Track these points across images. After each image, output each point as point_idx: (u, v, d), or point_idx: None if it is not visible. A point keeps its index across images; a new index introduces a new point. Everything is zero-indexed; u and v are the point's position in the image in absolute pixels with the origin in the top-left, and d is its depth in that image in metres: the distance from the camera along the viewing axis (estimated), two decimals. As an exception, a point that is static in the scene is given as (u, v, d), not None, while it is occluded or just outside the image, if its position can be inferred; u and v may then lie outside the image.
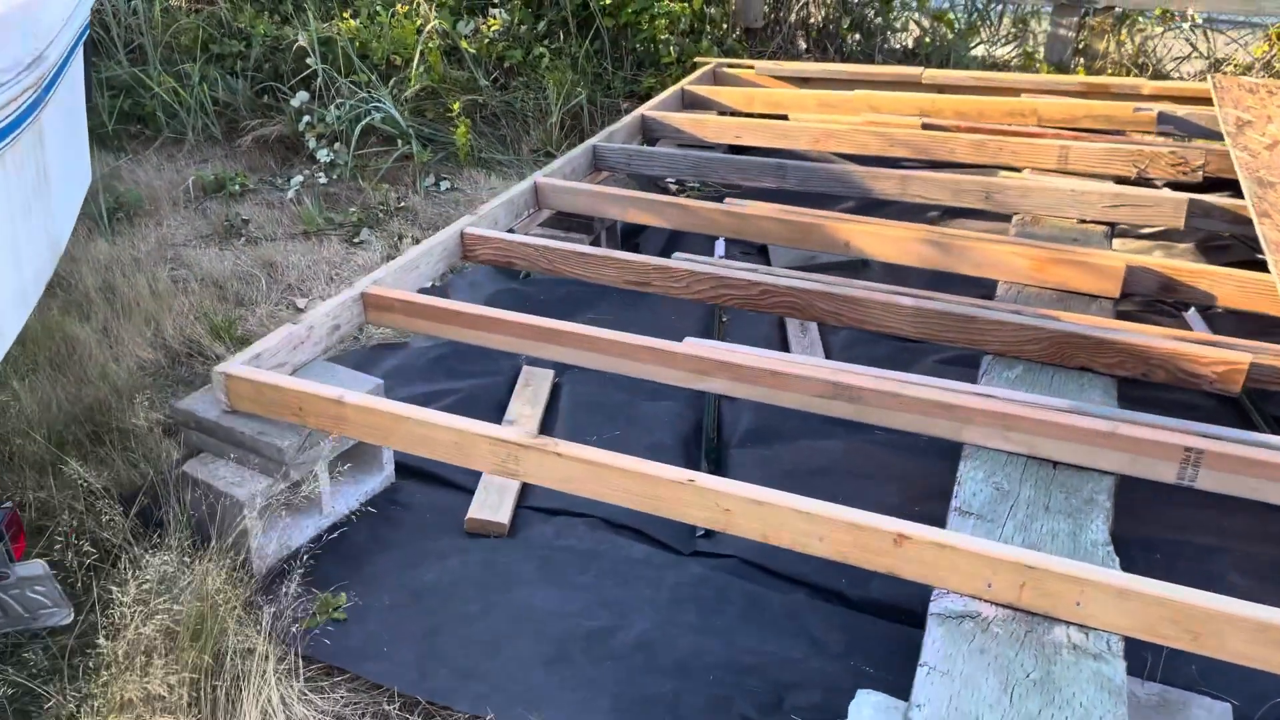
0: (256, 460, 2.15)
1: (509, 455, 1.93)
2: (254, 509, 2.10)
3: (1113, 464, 1.96)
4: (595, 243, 3.57)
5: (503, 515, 2.27)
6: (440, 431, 1.98)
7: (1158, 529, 2.17)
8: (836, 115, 4.09)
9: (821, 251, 2.97)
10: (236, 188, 4.42)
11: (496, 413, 2.73)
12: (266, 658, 1.83)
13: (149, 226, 4.04)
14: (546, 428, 2.67)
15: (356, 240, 3.97)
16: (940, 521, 1.91)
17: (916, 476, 2.39)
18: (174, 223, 4.11)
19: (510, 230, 3.18)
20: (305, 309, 3.10)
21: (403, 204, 4.31)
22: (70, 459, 2.36)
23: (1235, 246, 3.53)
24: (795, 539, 1.76)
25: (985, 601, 1.66)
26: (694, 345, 2.30)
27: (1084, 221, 3.12)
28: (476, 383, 2.83)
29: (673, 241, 3.84)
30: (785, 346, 3.10)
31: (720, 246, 3.85)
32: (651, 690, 1.80)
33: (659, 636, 1.91)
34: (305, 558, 2.12)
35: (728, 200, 3.14)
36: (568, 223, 3.51)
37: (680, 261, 2.70)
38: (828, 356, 3.02)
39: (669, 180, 4.23)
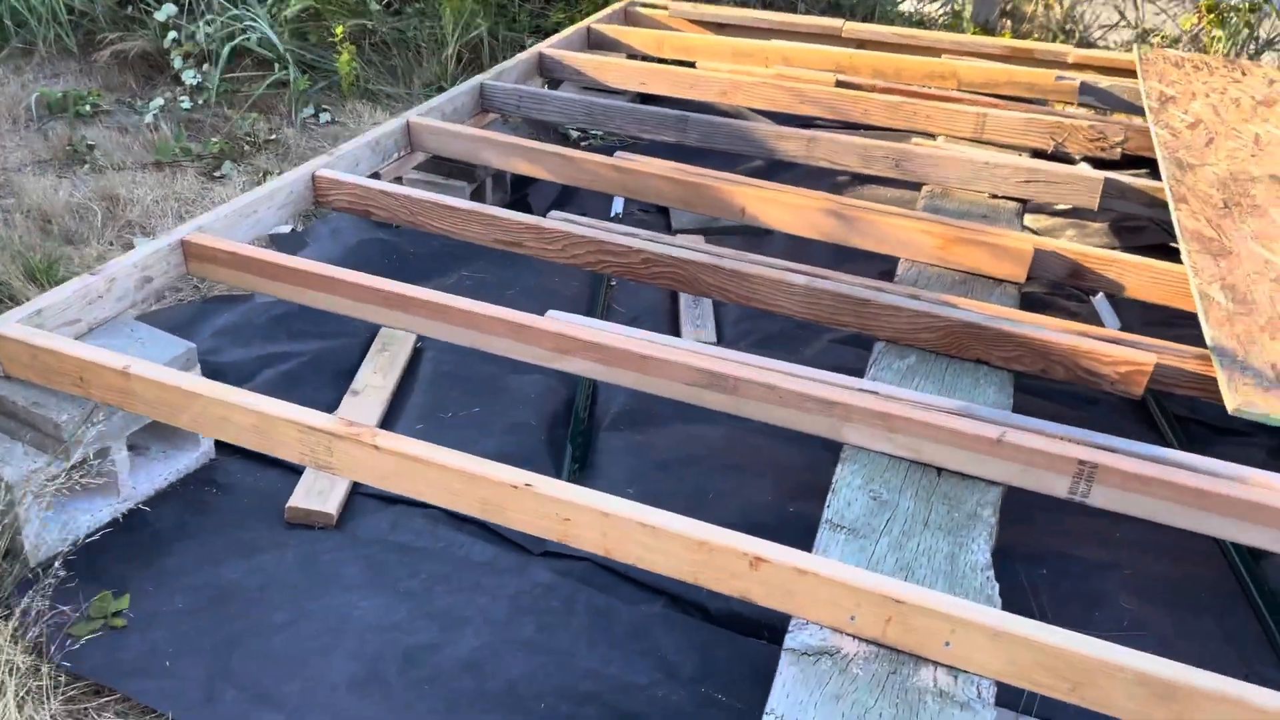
0: (31, 435, 1.83)
1: (320, 445, 1.66)
2: (26, 493, 1.79)
3: (1001, 474, 1.78)
4: (477, 192, 3.27)
5: (331, 504, 2.00)
6: (239, 413, 1.69)
7: (1046, 539, 2.01)
8: (748, 66, 3.83)
9: (716, 217, 2.72)
10: (87, 108, 3.97)
11: (345, 380, 2.44)
12: (12, 672, 1.55)
13: (-22, 147, 3.59)
14: (400, 400, 2.40)
15: (217, 174, 3.59)
16: (816, 521, 1.72)
17: (796, 469, 2.19)
18: (9, 144, 3.66)
19: (375, 175, 2.86)
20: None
21: (274, 136, 3.92)
22: None
23: (1150, 229, 3.39)
24: (640, 555, 1.53)
25: (848, 635, 1.46)
26: (557, 320, 2.04)
27: (996, 196, 2.93)
28: (325, 345, 2.53)
29: (567, 195, 3.56)
30: (676, 317, 2.87)
31: (619, 203, 3.58)
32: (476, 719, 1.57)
33: (489, 655, 1.68)
34: (89, 549, 1.83)
35: (618, 154, 2.86)
36: (448, 168, 3.20)
37: (556, 222, 2.43)
38: (719, 330, 2.80)
39: (570, 128, 3.92)
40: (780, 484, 2.14)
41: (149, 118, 3.96)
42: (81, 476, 1.85)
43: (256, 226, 2.43)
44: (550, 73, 3.72)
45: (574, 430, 2.33)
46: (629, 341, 1.96)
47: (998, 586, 1.57)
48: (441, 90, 4.37)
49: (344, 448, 1.64)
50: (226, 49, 4.20)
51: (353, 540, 1.93)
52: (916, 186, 3.26)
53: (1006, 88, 3.69)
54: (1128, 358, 2.04)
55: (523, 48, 4.59)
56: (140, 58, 4.38)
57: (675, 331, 2.81)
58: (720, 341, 2.77)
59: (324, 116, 4.13)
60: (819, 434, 1.87)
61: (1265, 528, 1.66)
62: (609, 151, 3.89)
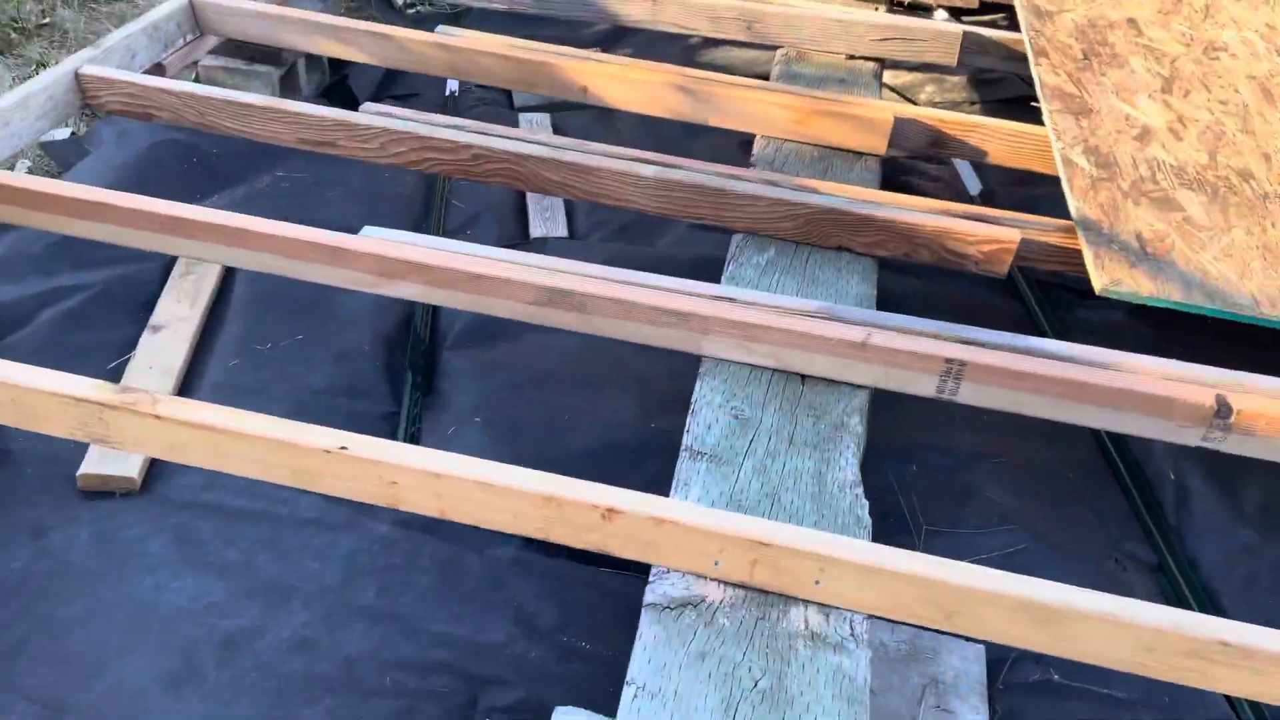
0: None
1: (91, 417, 1.40)
2: None
3: (867, 377, 1.66)
4: (288, 77, 2.89)
5: (131, 466, 1.75)
6: (-12, 388, 1.41)
7: (913, 432, 1.94)
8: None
9: (553, 94, 2.46)
10: None
11: (144, 313, 2.14)
12: None
13: None
14: (211, 332, 2.12)
15: (-22, 69, 3.08)
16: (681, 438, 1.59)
17: (658, 379, 2.04)
18: None
19: (158, 67, 2.47)
20: None
21: (48, 20, 3.38)
22: None
23: (1011, 80, 3.28)
24: (481, 515, 1.37)
25: (712, 581, 1.34)
26: (375, 239, 1.79)
27: (853, 57, 2.75)
28: (116, 272, 2.21)
29: (394, 75, 3.19)
30: (524, 212, 2.62)
31: (453, 83, 3.24)
32: (308, 709, 1.41)
33: (323, 631, 1.51)
34: None
35: (440, 29, 2.54)
36: (250, 51, 2.80)
37: (371, 117, 2.13)
38: (570, 224, 2.58)
39: (408, 6, 3.51)
40: (642, 399, 1.99)
41: (-114, 2, 3.35)
42: None
43: (11, 141, 2.05)
44: (363, -69, 3.29)
45: (413, 353, 2.11)
46: (461, 260, 1.74)
47: (867, 505, 1.47)
48: (243, -45, 3.84)
49: (120, 420, 1.39)
50: (-27, -87, 3.56)
51: (159, 507, 1.70)
52: (770, 48, 3.05)
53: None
54: (992, 235, 1.94)
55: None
56: None
57: (523, 229, 2.58)
58: (572, 236, 2.56)
59: (106, -8, 3.58)
60: (678, 348, 1.71)
61: (1136, 414, 1.60)
62: (436, 22, 3.52)
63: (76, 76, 2.17)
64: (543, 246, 2.46)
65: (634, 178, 2.03)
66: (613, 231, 2.57)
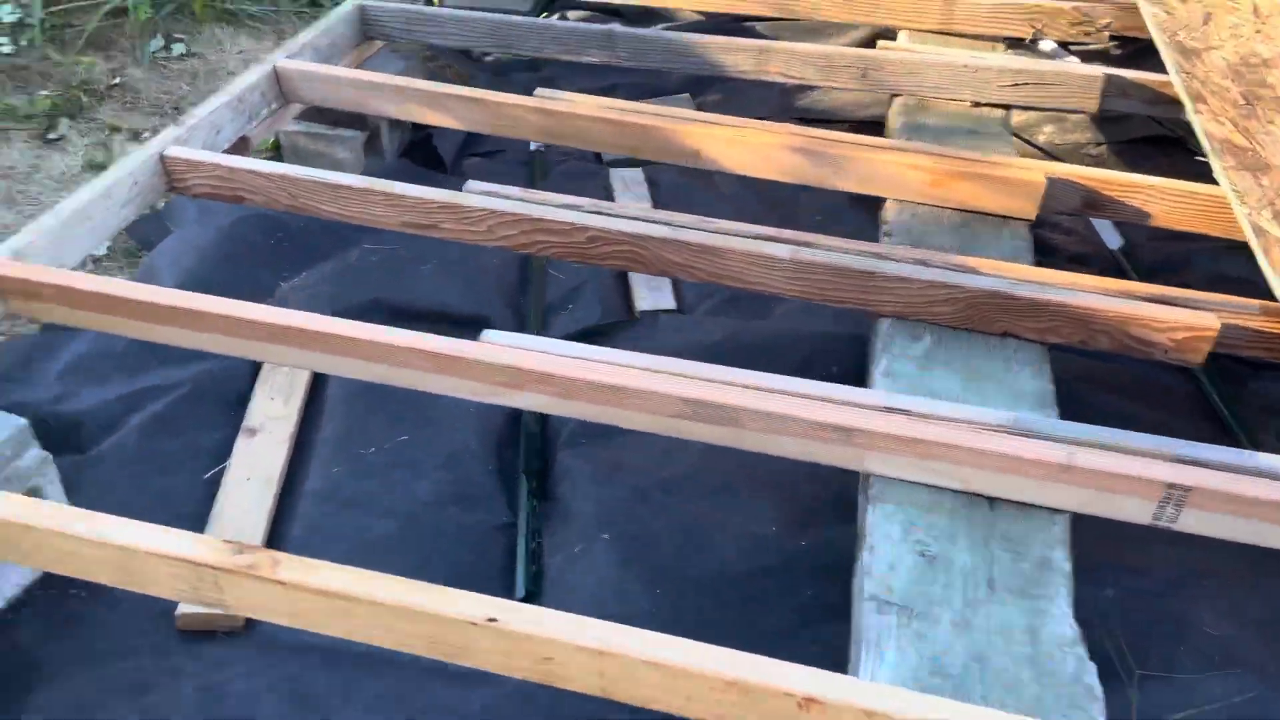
0: None
1: (205, 581, 1.23)
2: None
3: (1067, 501, 1.45)
4: (372, 140, 2.75)
5: (235, 603, 1.59)
6: (89, 547, 1.25)
7: (1105, 547, 1.70)
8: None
9: (663, 160, 2.28)
10: (-123, 62, 3.26)
11: (236, 411, 1.99)
12: None
13: None
14: (308, 434, 1.96)
15: (51, 137, 2.97)
16: (841, 560, 1.40)
17: (798, 482, 1.84)
18: None
19: (243, 141, 2.33)
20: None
21: (118, 80, 3.28)
22: None
23: (1138, 118, 3.04)
24: (651, 695, 1.17)
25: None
26: (495, 345, 1.61)
27: (979, 104, 2.53)
28: (206, 367, 2.06)
29: (477, 138, 3.04)
30: (626, 281, 2.44)
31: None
32: None
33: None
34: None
35: (540, 92, 2.37)
36: (334, 115, 2.65)
37: (478, 197, 1.96)
38: (677, 292, 2.39)
39: (481, 53, 3.35)
40: (783, 507, 1.79)
41: (-42, 68, 3.27)
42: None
43: (94, 234, 1.91)
44: (443, -20, 3.14)
45: (526, 454, 1.93)
46: (592, 369, 1.55)
47: (1095, 670, 1.26)
48: (315, 3, 3.74)
49: (238, 585, 1.22)
50: (43, -26, 3.48)
51: (269, 653, 1.53)
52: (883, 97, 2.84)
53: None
54: (1185, 322, 1.71)
55: (404, -55, 3.94)
56: (-62, -10, 3.62)
57: (627, 300, 2.40)
58: (680, 305, 2.37)
59: (177, 48, 3.48)
60: (840, 465, 1.51)
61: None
62: (515, 70, 3.37)
63: (161, 160, 2.03)
64: (654, 323, 2.27)
65: (766, 259, 1.84)
66: (722, 302, 2.38)
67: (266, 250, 2.43)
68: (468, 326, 2.27)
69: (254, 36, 3.59)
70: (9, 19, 3.49)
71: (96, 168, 2.79)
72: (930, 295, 1.78)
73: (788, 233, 1.93)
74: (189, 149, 2.06)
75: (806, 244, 1.88)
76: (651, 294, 2.39)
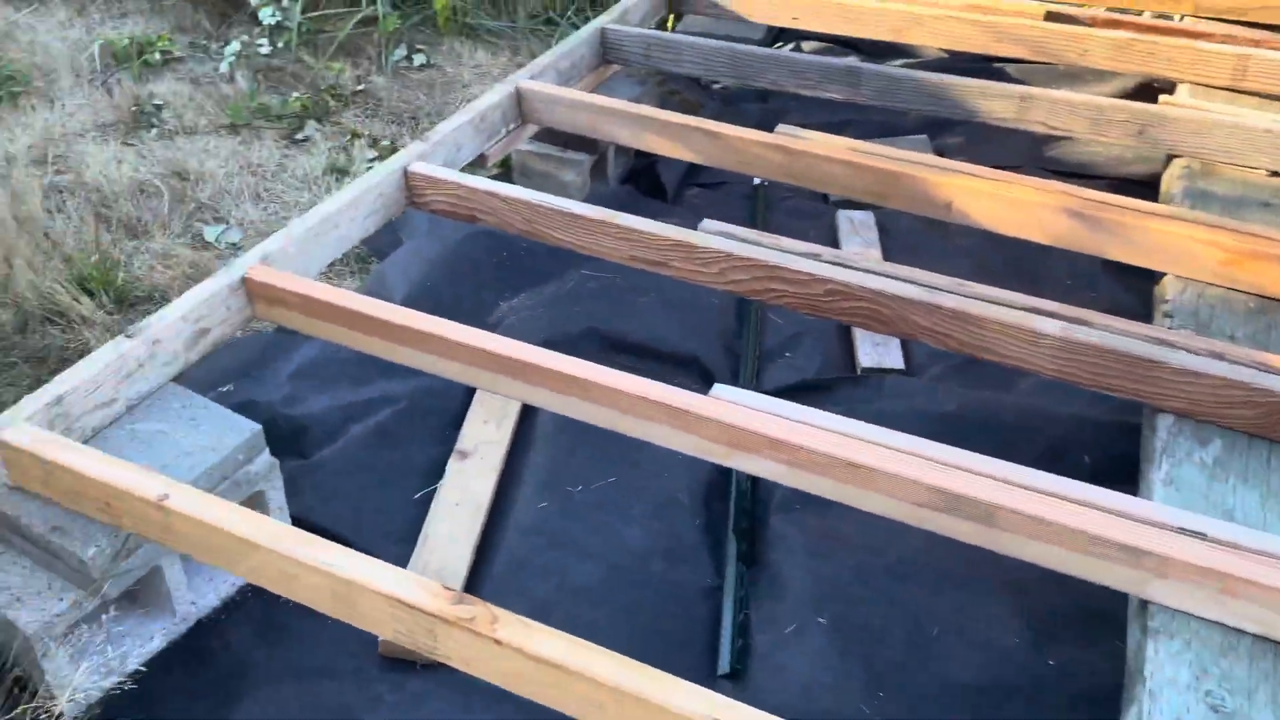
0: (56, 563, 1.42)
1: (420, 627, 1.18)
2: (48, 640, 1.38)
3: (1403, 670, 1.20)
4: (598, 165, 2.72)
5: (435, 636, 1.55)
6: (310, 574, 1.22)
7: None
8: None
9: (909, 210, 2.12)
10: (156, 56, 3.52)
11: (451, 431, 1.97)
12: None
13: (36, 109, 3.18)
14: (516, 461, 1.92)
15: (298, 137, 3.11)
16: (1097, 689, 1.27)
17: (1044, 586, 1.63)
18: (70, 104, 3.24)
19: (480, 158, 2.33)
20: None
21: (362, 86, 3.41)
22: None
23: None
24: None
25: None
26: (727, 404, 1.50)
27: (1277, 174, 2.24)
28: (424, 383, 2.05)
29: (699, 166, 2.95)
30: (849, 331, 2.29)
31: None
32: None
33: None
34: (139, 685, 1.43)
35: (780, 129, 2.26)
36: (565, 136, 2.64)
37: (713, 238, 1.86)
38: (904, 348, 2.22)
39: (712, 82, 3.29)
40: (1027, 613, 1.60)
41: (224, 66, 3.49)
42: (122, 602, 1.44)
43: (340, 244, 1.94)
44: (680, 5, 3.09)
45: (736, 515, 1.81)
46: (831, 441, 1.42)
47: None
48: (552, 23, 3.78)
49: (453, 637, 1.16)
50: (307, -18, 3.67)
51: (467, 694, 1.48)
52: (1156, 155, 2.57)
53: (1260, 12, 2.90)
54: None
55: (642, -33, 3.93)
56: (214, -7, 3.89)
57: (848, 353, 2.25)
58: (908, 366, 2.20)
59: (418, 59, 3.59)
60: (1118, 588, 1.32)
61: None
62: (745, 101, 3.28)
63: (405, 174, 2.05)
64: (879, 384, 2.11)
65: (1030, 334, 1.65)
66: (956, 366, 2.19)
67: (490, 268, 2.43)
68: (681, 366, 2.19)
69: (490, 51, 3.66)
70: (269, 21, 3.70)
71: (337, 171, 2.88)
72: (1226, 396, 1.55)
73: (1052, 304, 1.74)
74: (431, 165, 2.07)
75: (1077, 320, 1.68)
76: (876, 349, 2.23)
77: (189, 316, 1.63)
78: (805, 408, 1.51)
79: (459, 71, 3.55)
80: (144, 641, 1.53)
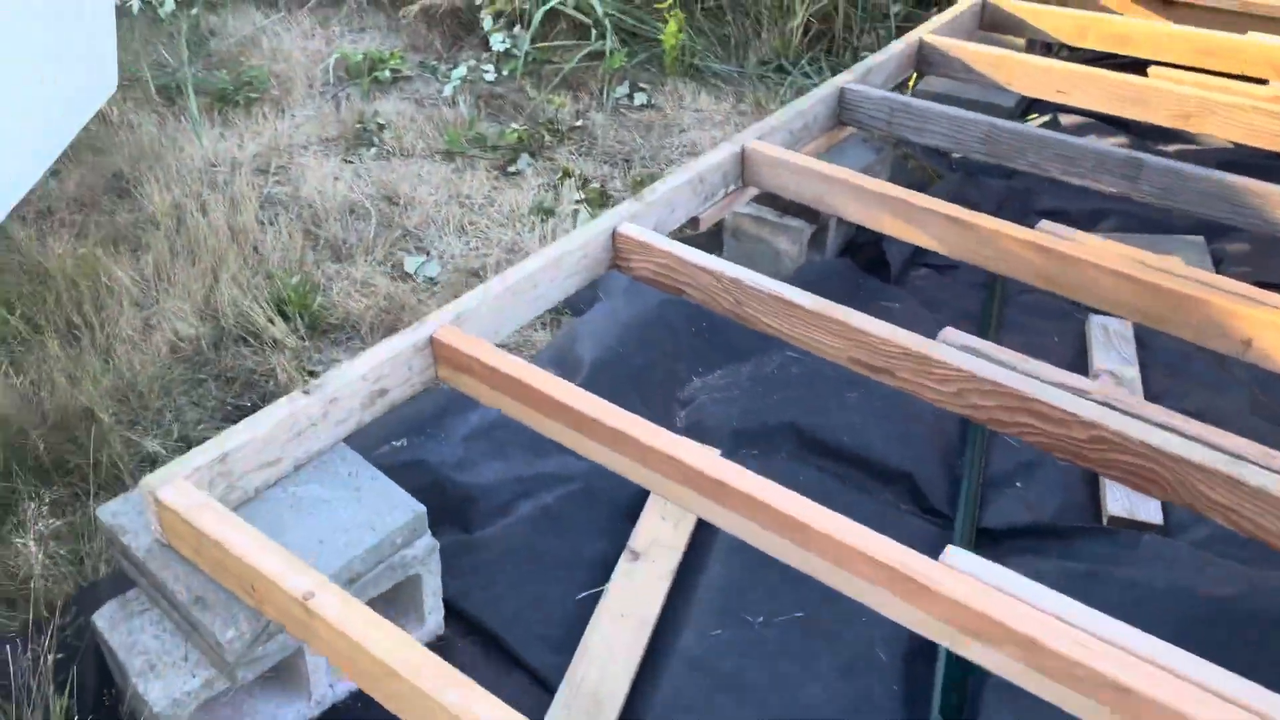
0: (194, 635, 1.31)
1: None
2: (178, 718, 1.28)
3: None
4: (817, 234, 2.49)
5: None
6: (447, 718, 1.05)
7: None
8: (1222, 76, 2.72)
9: (1195, 341, 1.77)
10: (386, 74, 3.56)
11: (624, 522, 1.79)
12: None
13: (268, 117, 3.26)
14: (690, 571, 1.71)
15: (510, 170, 3.04)
16: None
17: None
18: (300, 115, 3.30)
19: (694, 220, 2.15)
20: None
21: (580, 122, 3.31)
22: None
23: None
24: None
25: None
26: (964, 575, 1.23)
27: None
28: (601, 465, 1.88)
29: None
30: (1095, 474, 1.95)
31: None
32: None
33: None
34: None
35: (1043, 226, 1.96)
36: (783, 201, 2.43)
37: (954, 352, 1.59)
38: (1164, 510, 1.87)
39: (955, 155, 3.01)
40: None
41: (449, 90, 3.48)
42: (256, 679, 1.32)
43: (536, 304, 1.80)
44: (929, 66, 2.81)
45: (945, 688, 1.53)
46: (1100, 654, 1.12)
47: None
48: (783, 70, 3.58)
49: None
50: (540, 12, 3.63)
51: None
52: None
53: None
54: None
55: (885, 19, 3.68)
56: (449, 14, 3.92)
57: (1092, 497, 1.91)
58: (1166, 522, 1.84)
59: (639, 98, 3.47)
60: None
61: None
62: (989, 174, 2.96)
63: (614, 235, 1.89)
64: (1132, 543, 1.77)
65: (1362, 535, 1.30)
66: (1222, 538, 1.81)
67: (687, 337, 2.24)
68: (890, 482, 1.92)
69: (713, 95, 3.50)
70: (499, 48, 3.69)
71: (543, 211, 2.78)
72: None
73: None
74: (642, 229, 1.90)
75: None
76: (1129, 495, 1.88)
77: (369, 376, 1.51)
78: (1063, 598, 1.22)
79: (679, 115, 3.40)
80: (275, 721, 1.42)
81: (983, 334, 2.41)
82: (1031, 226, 2.02)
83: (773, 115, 2.34)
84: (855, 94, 2.49)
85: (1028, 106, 3.33)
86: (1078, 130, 3.15)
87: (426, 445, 1.87)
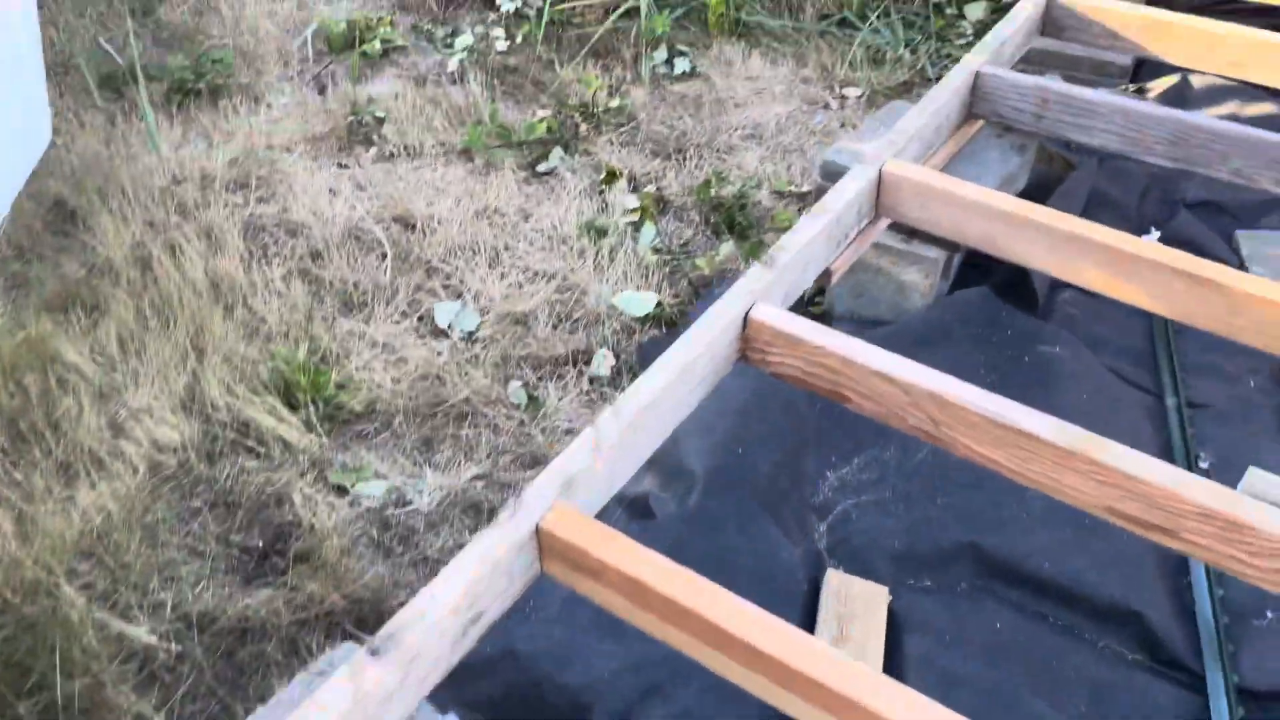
0: None
1: None
2: None
3: None
4: (950, 261, 2.00)
5: None
6: None
7: None
8: None
9: None
10: (377, 46, 2.97)
11: None
12: None
13: (239, 110, 2.68)
14: None
15: (541, 169, 2.51)
16: None
17: None
18: (277, 107, 2.73)
19: (826, 273, 1.66)
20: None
21: (616, 101, 2.76)
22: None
23: None
24: None
25: None
26: None
27: None
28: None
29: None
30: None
31: (1154, 232, 2.24)
32: None
33: None
34: None
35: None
36: (911, 227, 1.93)
37: (1270, 513, 1.13)
38: None
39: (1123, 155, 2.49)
40: None
41: (453, 64, 2.91)
42: None
43: (660, 433, 1.31)
44: (1060, 31, 2.29)
45: None
46: None
47: None
48: (848, 25, 3.02)
49: None
50: (555, -37, 3.04)
51: None
52: None
53: None
54: None
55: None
56: (443, -35, 3.30)
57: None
58: None
59: (680, 64, 2.92)
60: None
61: None
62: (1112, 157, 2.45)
63: (745, 320, 1.40)
64: None
65: None
66: None
67: (813, 419, 1.77)
68: (1111, 625, 1.49)
69: (768, 58, 2.95)
70: (507, 8, 3.10)
71: (595, 232, 2.26)
72: None
73: None
74: (778, 310, 1.41)
75: None
76: None
77: (462, 606, 1.03)
78: None
79: (730, 85, 2.85)
80: None
81: (1156, 379, 1.96)
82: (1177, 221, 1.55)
83: (905, 120, 1.82)
84: (994, 80, 1.97)
85: (1138, 64, 2.82)
86: (1212, 96, 2.65)
87: (511, 624, 1.40)
